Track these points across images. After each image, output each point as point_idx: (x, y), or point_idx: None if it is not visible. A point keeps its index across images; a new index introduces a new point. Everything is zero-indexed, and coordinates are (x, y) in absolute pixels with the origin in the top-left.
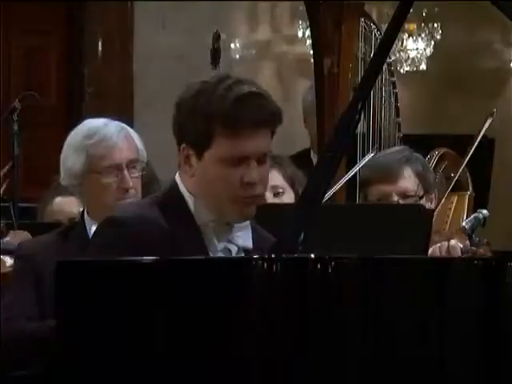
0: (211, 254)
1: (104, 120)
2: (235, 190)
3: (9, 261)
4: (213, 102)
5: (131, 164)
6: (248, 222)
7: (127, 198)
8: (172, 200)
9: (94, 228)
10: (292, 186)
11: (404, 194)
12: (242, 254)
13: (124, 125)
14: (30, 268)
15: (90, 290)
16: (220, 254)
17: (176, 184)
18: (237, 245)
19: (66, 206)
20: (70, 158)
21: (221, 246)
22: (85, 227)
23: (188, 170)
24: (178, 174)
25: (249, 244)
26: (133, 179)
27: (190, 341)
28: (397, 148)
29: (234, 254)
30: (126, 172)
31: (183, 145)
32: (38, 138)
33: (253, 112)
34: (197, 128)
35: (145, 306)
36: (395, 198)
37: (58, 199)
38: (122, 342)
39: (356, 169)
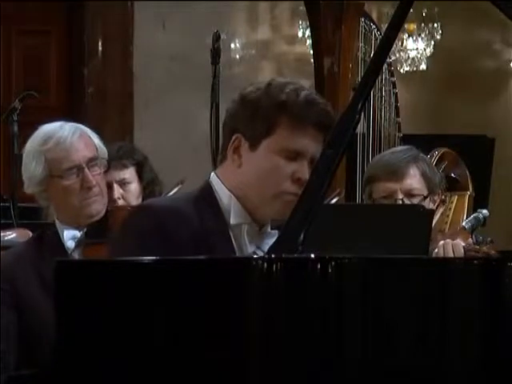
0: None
1: (59, 123)
2: (284, 182)
3: None
4: (286, 93)
5: (91, 162)
6: (276, 232)
7: (92, 196)
8: (205, 197)
9: (66, 233)
10: None
11: (409, 193)
12: None
13: (79, 125)
14: (7, 294)
15: (90, 290)
16: None
17: (210, 183)
18: (264, 252)
19: None
20: (29, 165)
21: (251, 249)
22: (57, 233)
23: (236, 160)
24: (214, 173)
25: None
26: (95, 177)
27: (189, 341)
28: (403, 147)
29: None
30: (86, 171)
31: (236, 134)
32: None
33: (321, 114)
34: (261, 116)
35: (145, 306)
36: (400, 196)
37: None
38: (122, 341)
39: None
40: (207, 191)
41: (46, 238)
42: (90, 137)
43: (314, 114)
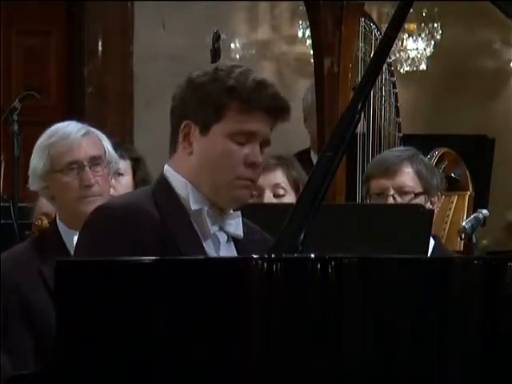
0: (203, 240)
1: (68, 122)
2: (238, 167)
3: None
4: (234, 77)
5: (94, 161)
6: (239, 212)
7: (90, 195)
8: (162, 189)
9: (66, 231)
10: (296, 189)
11: (401, 190)
12: (232, 243)
13: (90, 127)
14: (13, 304)
15: (90, 290)
16: (211, 242)
17: (164, 174)
18: (227, 232)
19: None
20: (34, 160)
21: (213, 230)
22: (58, 232)
23: (187, 147)
24: (167, 164)
25: (239, 232)
26: (97, 176)
27: (189, 340)
28: (402, 147)
29: (222, 243)
30: (87, 169)
31: (186, 121)
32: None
33: (271, 98)
34: (210, 101)
35: (145, 306)
36: (391, 193)
37: None
38: (122, 341)
39: None
40: (163, 183)
41: (47, 237)
42: (99, 138)
43: (263, 97)
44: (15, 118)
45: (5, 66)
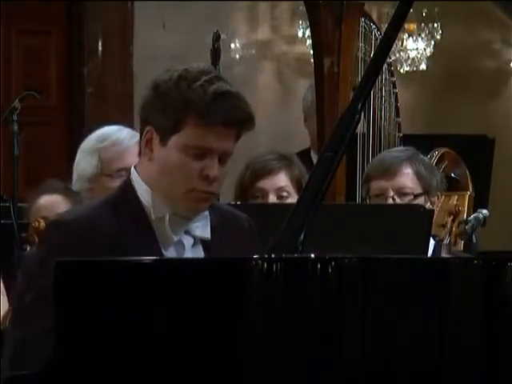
0: (163, 249)
1: (118, 127)
2: (193, 180)
3: None
4: (193, 90)
5: None
6: (206, 213)
7: None
8: (124, 195)
9: None
10: (299, 188)
11: (400, 191)
12: (200, 246)
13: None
14: None
15: (90, 290)
16: (173, 249)
17: (130, 179)
18: (194, 236)
19: (53, 203)
20: (82, 162)
21: (176, 237)
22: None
23: (148, 153)
24: (133, 167)
25: (206, 235)
26: None
27: (189, 341)
28: (402, 148)
29: (187, 248)
30: None
31: (148, 127)
32: (38, 137)
33: (229, 111)
34: (170, 111)
35: (145, 306)
36: (391, 194)
37: (45, 197)
38: (122, 341)
39: None
40: (127, 188)
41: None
42: None
43: (221, 111)
44: (15, 117)
45: (5, 66)
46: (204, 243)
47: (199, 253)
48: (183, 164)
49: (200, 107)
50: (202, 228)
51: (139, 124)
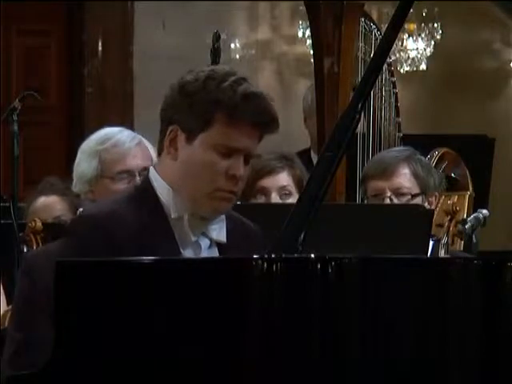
0: (182, 249)
1: (119, 128)
2: (218, 179)
3: None
4: (222, 89)
5: (144, 171)
6: (223, 216)
7: None
8: (144, 194)
9: None
10: (300, 188)
11: (398, 191)
12: (215, 248)
13: (139, 135)
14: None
15: (90, 290)
16: (191, 249)
17: (149, 178)
18: (210, 238)
19: (49, 205)
20: (83, 163)
21: (194, 238)
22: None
23: (172, 152)
24: (152, 167)
25: (222, 238)
26: None
27: (189, 341)
28: (400, 147)
29: (204, 249)
30: (137, 178)
31: (173, 126)
32: (38, 137)
33: (258, 111)
34: (198, 110)
35: (145, 306)
36: (388, 194)
37: (42, 199)
38: (122, 341)
39: None
40: (146, 187)
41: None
42: (147, 148)
43: (250, 111)
44: (15, 117)
45: (5, 66)
46: (219, 246)
47: (215, 255)
48: (210, 162)
49: (229, 106)
50: (218, 231)
51: (140, 124)
